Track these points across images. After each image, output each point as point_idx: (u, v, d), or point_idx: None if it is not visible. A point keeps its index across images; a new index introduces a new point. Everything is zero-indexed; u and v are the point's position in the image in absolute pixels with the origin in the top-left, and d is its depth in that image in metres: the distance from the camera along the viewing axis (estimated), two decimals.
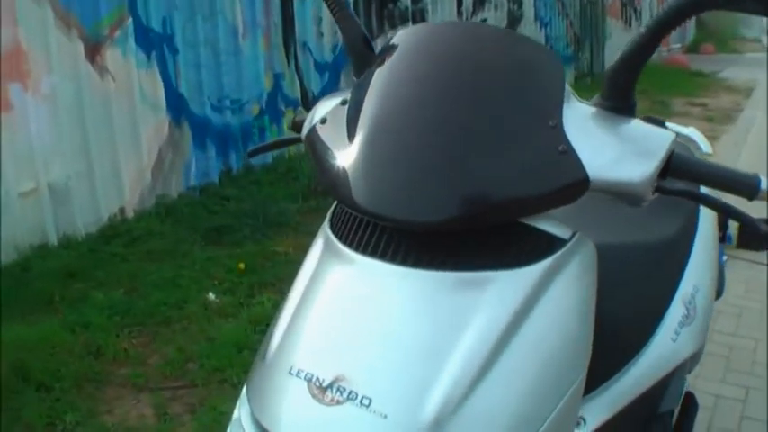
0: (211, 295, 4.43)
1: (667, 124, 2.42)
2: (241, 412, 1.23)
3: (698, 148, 2.56)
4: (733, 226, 5.26)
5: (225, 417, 3.15)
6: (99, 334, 3.94)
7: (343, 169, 1.19)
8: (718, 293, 2.53)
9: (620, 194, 1.18)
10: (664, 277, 2.05)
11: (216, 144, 6.38)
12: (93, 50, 5.27)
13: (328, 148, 1.26)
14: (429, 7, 9.43)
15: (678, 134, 2.27)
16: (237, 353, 3.75)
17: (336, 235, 1.23)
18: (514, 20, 11.12)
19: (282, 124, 7.25)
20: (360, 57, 1.40)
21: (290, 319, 1.22)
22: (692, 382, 3.36)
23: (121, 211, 5.45)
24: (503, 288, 1.13)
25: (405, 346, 1.11)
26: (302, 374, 1.11)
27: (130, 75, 5.55)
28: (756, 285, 4.72)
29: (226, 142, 6.50)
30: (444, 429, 1.05)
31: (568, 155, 1.14)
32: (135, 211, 5.53)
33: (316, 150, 1.30)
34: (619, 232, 2.00)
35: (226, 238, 5.27)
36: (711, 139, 6.81)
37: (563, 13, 12.69)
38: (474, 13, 10.21)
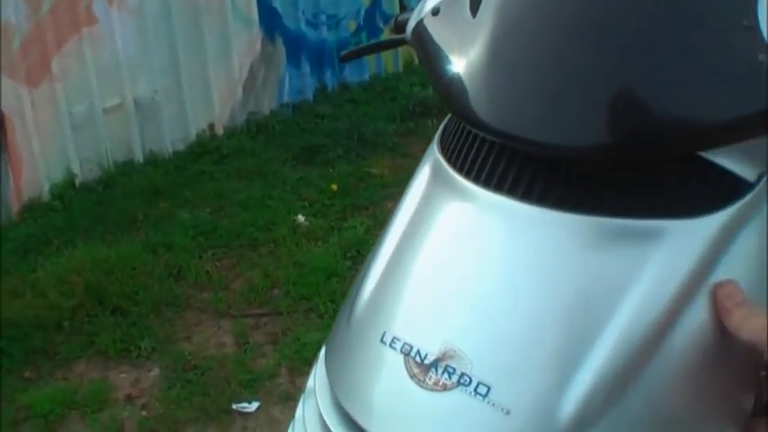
0: (301, 217, 4.22)
1: None
2: (316, 384, 0.96)
3: None
4: None
5: (308, 348, 3.01)
6: (181, 255, 3.81)
7: (463, 72, 0.89)
8: None
9: None
10: None
11: (310, 60, 6.15)
12: None
13: (442, 46, 0.96)
14: None
15: None
16: (326, 280, 3.55)
17: (449, 161, 0.92)
18: None
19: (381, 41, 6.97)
20: None
21: (385, 269, 0.93)
22: None
23: (211, 127, 5.29)
24: (678, 242, 0.82)
25: (540, 317, 0.81)
26: (398, 345, 0.83)
27: None
28: None
29: (321, 59, 6.26)
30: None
31: None
32: (225, 128, 5.36)
33: (426, 48, 0.99)
34: None
35: (318, 157, 5.05)
36: None
37: None
38: None
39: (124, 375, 3.07)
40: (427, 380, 0.79)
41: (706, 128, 0.81)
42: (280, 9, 5.81)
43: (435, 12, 1.00)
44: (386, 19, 6.93)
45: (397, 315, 0.86)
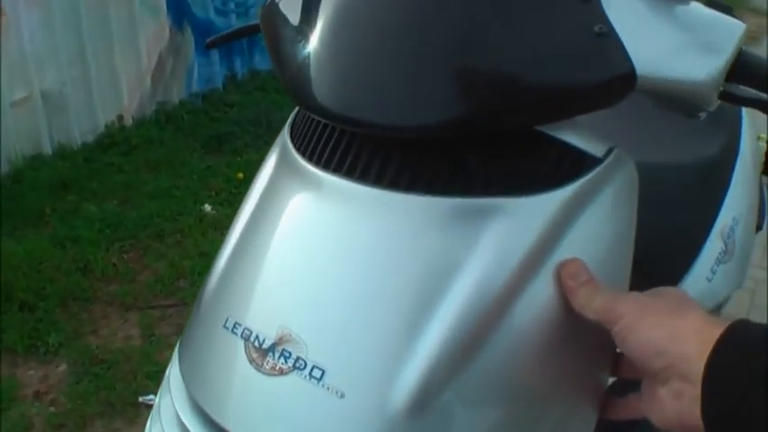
0: (207, 207, 4.28)
1: None
2: (171, 374, 0.99)
3: None
4: (760, 152, 5.03)
5: None
6: (88, 249, 3.82)
7: (304, 58, 0.89)
8: (759, 226, 2.14)
9: (676, 98, 0.88)
10: (700, 206, 1.74)
11: (220, 49, 6.07)
12: None
13: (287, 30, 0.96)
14: None
15: None
16: None
17: (296, 147, 0.94)
18: None
19: None
20: None
21: (230, 257, 0.95)
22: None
23: (119, 118, 5.25)
24: (515, 220, 0.83)
25: (375, 299, 0.82)
26: (239, 330, 0.85)
27: None
28: None
29: (230, 47, 6.20)
30: (420, 419, 0.78)
31: (608, 38, 0.82)
32: (134, 119, 5.33)
33: (271, 34, 0.99)
34: (650, 150, 1.57)
35: (226, 146, 5.08)
36: None
37: None
38: None
39: (32, 372, 3.10)
40: (265, 364, 0.81)
41: (544, 100, 0.83)
42: None
43: (272, 4, 1.01)
44: None
45: (239, 301, 0.89)
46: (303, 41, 0.91)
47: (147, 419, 1.03)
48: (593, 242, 0.88)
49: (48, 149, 4.81)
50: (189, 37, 5.79)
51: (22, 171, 4.58)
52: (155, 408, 1.02)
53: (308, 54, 0.89)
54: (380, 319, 0.81)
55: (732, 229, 1.76)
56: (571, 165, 0.87)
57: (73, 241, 3.89)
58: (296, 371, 0.80)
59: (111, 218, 4.12)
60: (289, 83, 0.91)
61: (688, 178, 1.67)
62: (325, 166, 0.88)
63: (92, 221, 4.07)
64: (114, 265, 3.74)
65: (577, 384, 0.91)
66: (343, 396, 0.78)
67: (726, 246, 1.72)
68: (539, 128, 0.86)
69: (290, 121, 1.01)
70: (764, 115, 0.93)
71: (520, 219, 0.83)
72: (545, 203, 0.84)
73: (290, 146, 0.94)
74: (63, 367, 3.11)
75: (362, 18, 0.88)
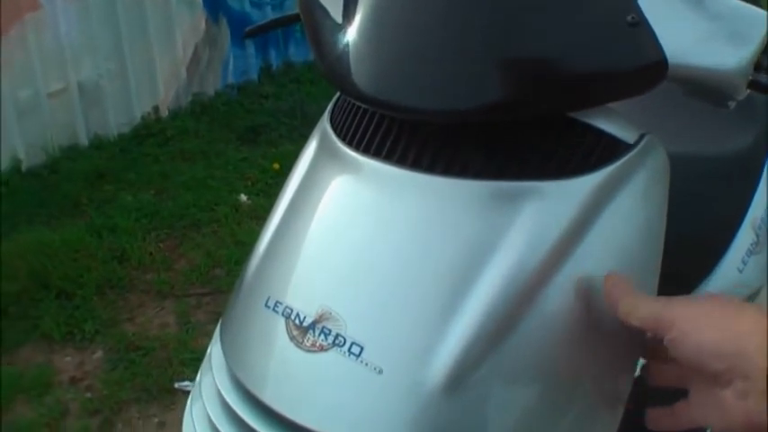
0: (243, 197, 4.28)
1: None
2: (212, 353, 1.00)
3: None
4: None
5: None
6: (125, 238, 3.85)
7: (344, 45, 0.93)
8: None
9: (706, 86, 0.90)
10: (733, 198, 1.75)
11: (255, 41, 6.10)
12: None
13: (327, 19, 0.98)
14: None
15: None
16: None
17: (336, 132, 0.97)
18: None
19: None
20: None
21: (272, 239, 0.97)
22: None
23: (155, 109, 5.29)
24: (549, 203, 0.85)
25: (412, 279, 0.85)
26: (280, 308, 0.88)
27: None
28: None
29: (266, 39, 6.24)
30: (455, 396, 0.80)
31: (641, 28, 0.85)
32: (170, 110, 5.36)
33: (311, 22, 1.01)
34: (683, 141, 1.67)
35: (262, 137, 5.09)
36: None
37: None
38: None
39: (68, 358, 3.12)
40: (305, 341, 0.83)
41: (577, 87, 0.86)
42: None
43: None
44: None
45: (280, 280, 0.91)
46: (342, 29, 0.94)
47: (182, 405, 1.03)
48: (624, 227, 0.90)
49: (84, 140, 4.86)
50: (224, 29, 5.83)
51: (58, 161, 4.63)
52: (195, 386, 1.03)
53: (348, 41, 0.92)
54: (418, 297, 0.83)
55: (763, 221, 1.76)
56: (603, 150, 0.89)
57: (109, 230, 3.92)
58: (335, 347, 0.82)
59: (148, 207, 4.14)
60: (329, 70, 0.93)
61: (720, 170, 1.68)
62: (365, 150, 0.91)
63: (128, 211, 4.09)
64: (151, 253, 3.76)
65: (605, 372, 0.92)
66: (381, 372, 0.80)
67: (757, 237, 1.72)
68: (572, 114, 0.88)
69: (329, 108, 1.03)
70: None
71: (553, 202, 0.85)
72: (578, 187, 0.86)
73: (330, 132, 0.97)
74: (99, 354, 3.13)
75: (402, 5, 0.91)
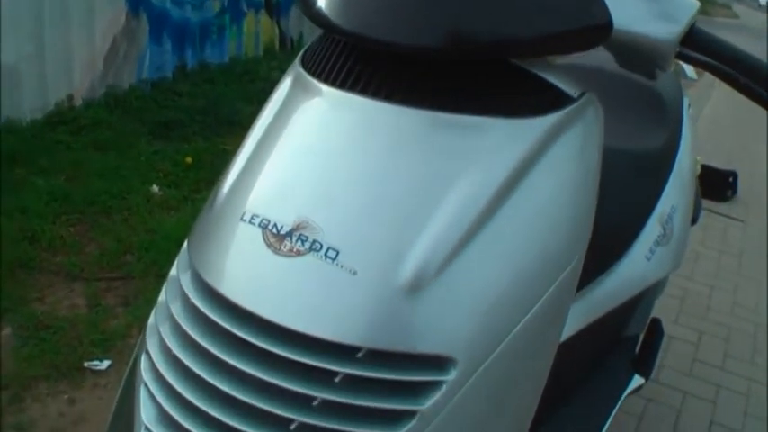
0: (155, 188, 4.34)
1: None
2: (179, 268, 1.07)
3: (684, 74, 2.52)
4: None
5: None
6: (36, 220, 3.85)
7: None
8: (694, 219, 2.43)
9: (640, 54, 1.07)
10: (643, 191, 1.96)
11: (173, 39, 6.20)
12: None
13: None
14: None
15: None
16: (178, 247, 3.58)
17: (309, 71, 1.08)
18: None
19: (243, 24, 7.10)
20: None
21: (247, 160, 1.07)
22: None
23: (70, 98, 5.28)
24: (502, 138, 0.98)
25: (383, 194, 0.95)
26: (256, 220, 0.95)
27: None
28: (713, 234, 4.87)
29: (183, 38, 6.32)
30: (422, 293, 0.91)
31: None
32: (83, 100, 5.36)
33: None
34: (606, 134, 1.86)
35: (174, 133, 5.15)
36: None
37: None
38: None
39: None
40: (283, 247, 0.91)
41: (534, 36, 1.00)
42: None
43: None
44: (249, 3, 7.05)
45: (257, 196, 0.99)
46: None
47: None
48: (565, 167, 1.05)
49: None
50: (144, 24, 5.86)
51: None
52: (158, 303, 1.09)
53: None
54: (389, 208, 0.94)
55: (670, 217, 1.99)
56: (552, 99, 1.05)
57: (20, 212, 3.91)
58: (312, 252, 0.90)
59: (59, 192, 4.14)
60: (316, 14, 1.05)
61: (631, 165, 1.88)
62: (341, 84, 1.02)
63: (39, 195, 4.09)
64: (62, 237, 3.77)
65: (550, 277, 1.05)
66: (355, 273, 0.90)
67: (664, 230, 1.95)
68: (530, 68, 1.04)
69: (299, 56, 1.15)
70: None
71: (508, 137, 0.99)
72: (529, 127, 1.01)
73: (303, 72, 1.09)
74: (8, 331, 3.13)
75: None
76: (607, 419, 1.89)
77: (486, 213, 0.95)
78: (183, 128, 5.20)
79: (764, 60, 1.11)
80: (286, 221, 0.93)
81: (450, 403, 0.92)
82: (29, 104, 4.99)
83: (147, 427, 0.98)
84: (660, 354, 2.94)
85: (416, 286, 0.90)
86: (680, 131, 2.17)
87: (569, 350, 1.73)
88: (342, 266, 0.90)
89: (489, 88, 1.01)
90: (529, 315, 1.00)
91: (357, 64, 1.02)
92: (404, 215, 0.93)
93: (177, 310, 1.02)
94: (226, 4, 6.81)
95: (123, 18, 5.65)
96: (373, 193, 0.95)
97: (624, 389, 2.01)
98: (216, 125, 5.29)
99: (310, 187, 0.97)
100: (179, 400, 0.96)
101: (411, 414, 0.90)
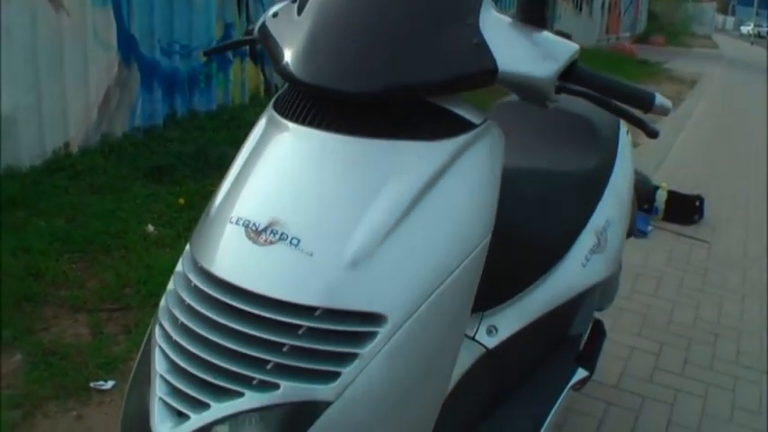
0: (150, 227, 4.57)
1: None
2: (183, 263, 1.38)
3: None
4: (660, 200, 5.64)
5: None
6: (39, 258, 4.06)
7: (290, 52, 1.40)
8: (629, 233, 2.74)
9: (526, 88, 1.40)
10: (578, 206, 2.28)
11: (163, 87, 6.46)
12: None
13: (277, 37, 1.48)
14: None
15: None
16: None
17: (279, 112, 1.43)
18: None
19: (229, 73, 7.38)
20: None
21: (234, 179, 1.40)
22: (610, 335, 3.66)
23: (66, 145, 5.52)
24: (417, 156, 1.32)
25: (331, 198, 1.29)
26: (241, 221, 1.29)
27: (84, 12, 5.60)
28: (678, 255, 5.09)
29: (172, 86, 6.59)
30: (361, 267, 1.24)
31: (481, 47, 1.35)
32: (79, 147, 5.60)
33: (267, 41, 1.52)
34: (542, 159, 2.25)
35: (167, 176, 5.40)
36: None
37: None
38: None
39: None
40: (260, 239, 1.25)
41: (435, 81, 1.34)
42: (137, 36, 6.11)
43: (275, 15, 1.56)
44: (235, 52, 7.32)
45: (241, 204, 1.34)
46: (290, 41, 1.43)
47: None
48: (469, 175, 1.37)
49: None
50: (135, 74, 6.11)
51: None
52: (167, 291, 1.41)
53: (293, 48, 1.40)
54: (337, 206, 1.28)
55: (605, 229, 2.32)
56: (458, 126, 1.39)
57: (24, 251, 4.13)
58: (281, 241, 1.24)
59: (60, 232, 4.36)
60: (281, 70, 1.40)
61: (566, 183, 2.23)
62: (299, 120, 1.37)
63: (41, 235, 4.32)
64: (64, 272, 3.99)
65: (453, 260, 1.35)
66: (311, 255, 1.23)
67: (599, 240, 2.28)
68: (437, 102, 1.38)
69: (272, 102, 1.50)
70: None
71: (421, 155, 1.33)
72: (438, 148, 1.34)
73: (274, 113, 1.44)
74: (18, 357, 3.34)
75: (329, 23, 1.40)
76: (552, 408, 2.16)
77: (407, 210, 1.29)
78: (175, 171, 5.45)
79: (635, 86, 1.46)
80: (262, 221, 1.27)
81: (384, 348, 1.23)
82: (28, 152, 5.23)
83: (161, 376, 1.28)
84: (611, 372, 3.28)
85: (356, 263, 1.24)
86: (614, 155, 2.49)
87: (513, 346, 2.05)
88: (302, 250, 1.23)
89: (410, 120, 1.35)
90: (443, 285, 1.31)
91: (314, 106, 1.37)
92: (348, 212, 1.27)
93: (182, 290, 1.34)
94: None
95: (116, 68, 5.91)
96: (325, 198, 1.29)
97: (568, 381, 2.29)
98: (205, 168, 5.54)
99: (279, 195, 1.31)
100: (184, 353, 1.27)
101: (354, 356, 1.22)
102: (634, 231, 2.92)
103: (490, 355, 2.03)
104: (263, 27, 1.55)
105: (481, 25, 1.37)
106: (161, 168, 5.47)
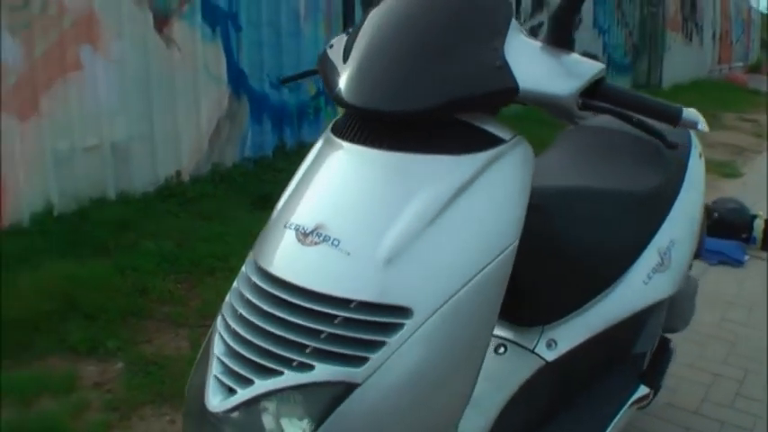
0: None
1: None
2: (246, 266, 1.53)
3: (695, 125, 2.78)
4: (758, 229, 5.53)
5: None
6: (146, 277, 4.23)
7: (341, 79, 1.53)
8: (697, 254, 2.75)
9: (548, 105, 1.51)
10: (641, 225, 2.32)
11: (272, 119, 6.64)
12: (162, 22, 5.56)
13: (334, 65, 1.60)
14: None
15: None
16: None
17: (333, 132, 1.58)
18: None
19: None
20: None
21: (291, 192, 1.55)
22: (696, 362, 3.62)
23: (178, 174, 5.71)
24: (447, 168, 1.44)
25: (368, 204, 1.43)
26: (293, 226, 1.43)
27: (195, 47, 5.82)
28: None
29: (281, 119, 6.75)
30: (392, 265, 1.36)
31: (503, 68, 1.46)
32: (191, 176, 5.79)
33: (324, 67, 1.64)
34: (606, 180, 2.27)
35: (273, 203, 5.48)
36: (755, 152, 7.01)
37: (622, 22, 12.53)
38: (532, 15, 10.24)
39: (92, 368, 3.47)
40: (307, 241, 1.40)
41: (459, 99, 1.46)
42: (247, 70, 6.30)
43: (331, 46, 1.69)
44: None
45: (294, 212, 1.47)
46: (338, 71, 1.57)
47: None
48: (493, 190, 1.47)
49: (111, 194, 5.29)
50: (245, 106, 6.30)
51: (87, 210, 5.04)
52: (234, 284, 1.56)
53: (344, 75, 1.54)
54: (374, 212, 1.42)
55: (669, 248, 2.37)
56: (486, 141, 1.49)
57: (133, 269, 4.31)
58: (324, 242, 1.38)
59: (168, 254, 4.52)
60: (335, 96, 1.54)
61: (629, 202, 2.28)
62: (348, 138, 1.51)
63: (150, 256, 4.49)
64: (170, 291, 4.14)
65: (487, 259, 1.46)
66: (349, 254, 1.37)
67: (662, 259, 2.33)
68: (468, 120, 1.49)
69: (332, 123, 1.63)
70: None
71: (451, 167, 1.44)
72: (465, 161, 1.45)
73: (330, 133, 1.58)
74: (120, 365, 3.48)
75: (371, 54, 1.54)
76: (610, 422, 2.20)
77: (436, 215, 1.40)
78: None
79: (662, 101, 1.55)
80: (309, 225, 1.41)
81: (410, 339, 1.35)
82: (141, 179, 5.45)
83: (217, 357, 1.43)
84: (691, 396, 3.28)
85: (388, 262, 1.36)
86: (682, 177, 2.52)
87: (573, 360, 2.08)
88: (342, 250, 1.37)
89: (444, 136, 1.47)
90: (468, 285, 1.40)
91: (361, 125, 1.51)
92: (382, 216, 1.40)
93: (242, 287, 1.49)
94: (320, 86, 7.16)
95: (226, 101, 6.11)
96: (364, 204, 1.43)
97: (629, 397, 2.31)
98: None
99: (325, 203, 1.46)
100: (237, 337, 1.42)
101: (382, 343, 1.33)
102: (702, 254, 2.93)
103: (549, 368, 2.10)
104: (323, 55, 1.68)
105: (506, 48, 1.49)
106: (268, 196, 5.57)
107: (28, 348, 3.56)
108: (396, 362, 1.34)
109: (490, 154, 1.47)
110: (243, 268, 1.54)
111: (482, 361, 1.52)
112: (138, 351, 3.55)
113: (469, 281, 1.40)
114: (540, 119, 2.53)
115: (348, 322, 1.34)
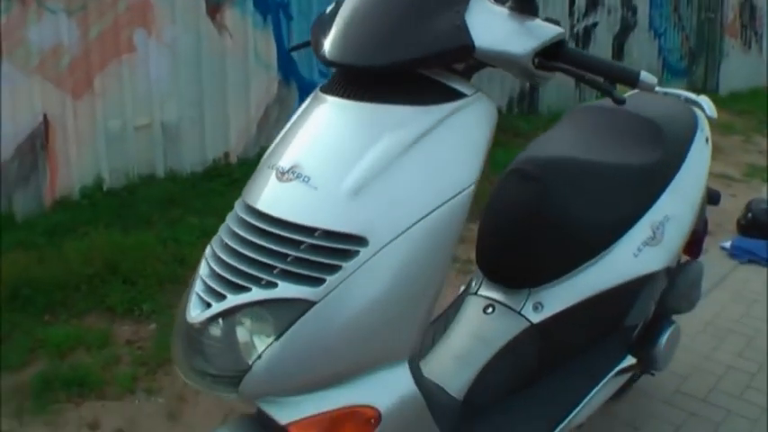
0: None
1: (681, 92, 2.88)
2: (236, 203, 1.72)
3: (704, 110, 2.88)
4: None
5: None
6: (186, 248, 4.42)
7: (325, 40, 1.70)
8: (699, 234, 2.90)
9: (505, 64, 1.65)
10: (634, 198, 2.43)
11: None
12: (214, 9, 5.73)
13: (318, 30, 1.77)
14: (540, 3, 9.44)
15: (688, 98, 2.77)
16: None
17: (321, 90, 1.76)
18: (627, 27, 10.77)
19: None
20: None
21: (278, 140, 1.74)
22: (711, 354, 3.71)
23: (226, 155, 5.89)
24: (411, 117, 1.61)
25: (338, 147, 1.61)
26: (273, 166, 1.63)
27: (246, 34, 5.98)
28: None
29: None
30: (354, 199, 1.53)
31: (461, 28, 1.60)
32: (239, 158, 5.96)
33: (316, 31, 1.79)
34: (603, 153, 2.40)
35: None
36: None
37: (679, 25, 12.25)
38: (586, 15, 10.10)
39: (126, 327, 3.71)
40: (284, 178, 1.59)
41: (421, 56, 1.60)
42: (296, 58, 6.44)
43: (321, 14, 1.84)
44: None
45: (277, 155, 1.67)
46: (326, 31, 1.72)
47: None
48: (452, 137, 1.62)
49: (160, 172, 5.50)
50: (294, 93, 6.45)
51: (136, 186, 5.27)
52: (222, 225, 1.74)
53: (326, 37, 1.70)
54: (340, 154, 1.59)
55: (662, 223, 2.46)
56: (448, 95, 1.64)
57: (174, 241, 4.51)
58: (297, 179, 1.57)
59: (210, 229, 4.58)
60: (319, 56, 1.70)
61: (623, 175, 2.40)
62: (332, 93, 1.69)
63: (193, 230, 4.68)
64: None
65: (447, 195, 1.60)
66: (317, 188, 1.55)
67: (654, 234, 2.43)
68: (433, 76, 1.65)
69: (320, 85, 1.79)
70: None
71: (415, 116, 1.61)
72: (427, 111, 1.62)
73: (319, 91, 1.75)
74: (153, 326, 3.70)
75: (351, 16, 1.70)
76: (594, 385, 2.31)
77: (398, 156, 1.56)
78: None
79: (620, 64, 1.70)
80: (287, 164, 1.60)
81: (364, 265, 1.51)
82: (189, 159, 5.65)
83: (201, 278, 1.64)
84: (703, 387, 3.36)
85: (351, 196, 1.53)
86: (683, 156, 2.61)
87: (560, 324, 2.24)
88: (311, 185, 1.54)
89: (410, 89, 1.63)
90: (423, 221, 1.55)
91: (341, 81, 1.69)
92: (348, 157, 1.57)
93: (230, 220, 1.68)
94: None
95: (275, 87, 6.26)
96: (334, 147, 1.61)
97: (615, 365, 2.42)
98: None
99: (302, 147, 1.64)
100: (218, 260, 1.62)
101: (338, 267, 1.50)
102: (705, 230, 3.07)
103: (535, 330, 2.23)
104: (314, 24, 1.85)
105: (469, 11, 1.62)
106: None
107: (69, 307, 3.80)
108: (350, 285, 1.51)
109: (452, 106, 1.62)
110: (234, 206, 1.73)
111: (436, 296, 1.67)
112: (172, 314, 3.72)
113: (424, 217, 1.55)
114: None
115: (312, 248, 1.51)
